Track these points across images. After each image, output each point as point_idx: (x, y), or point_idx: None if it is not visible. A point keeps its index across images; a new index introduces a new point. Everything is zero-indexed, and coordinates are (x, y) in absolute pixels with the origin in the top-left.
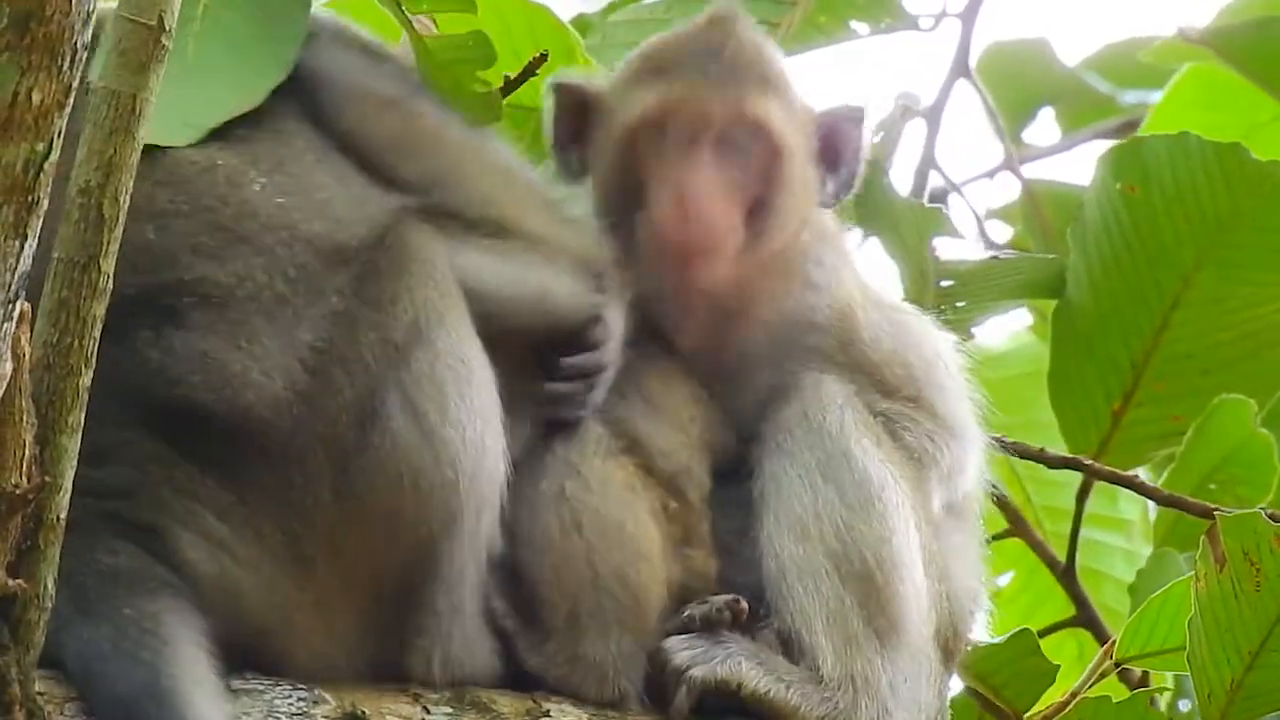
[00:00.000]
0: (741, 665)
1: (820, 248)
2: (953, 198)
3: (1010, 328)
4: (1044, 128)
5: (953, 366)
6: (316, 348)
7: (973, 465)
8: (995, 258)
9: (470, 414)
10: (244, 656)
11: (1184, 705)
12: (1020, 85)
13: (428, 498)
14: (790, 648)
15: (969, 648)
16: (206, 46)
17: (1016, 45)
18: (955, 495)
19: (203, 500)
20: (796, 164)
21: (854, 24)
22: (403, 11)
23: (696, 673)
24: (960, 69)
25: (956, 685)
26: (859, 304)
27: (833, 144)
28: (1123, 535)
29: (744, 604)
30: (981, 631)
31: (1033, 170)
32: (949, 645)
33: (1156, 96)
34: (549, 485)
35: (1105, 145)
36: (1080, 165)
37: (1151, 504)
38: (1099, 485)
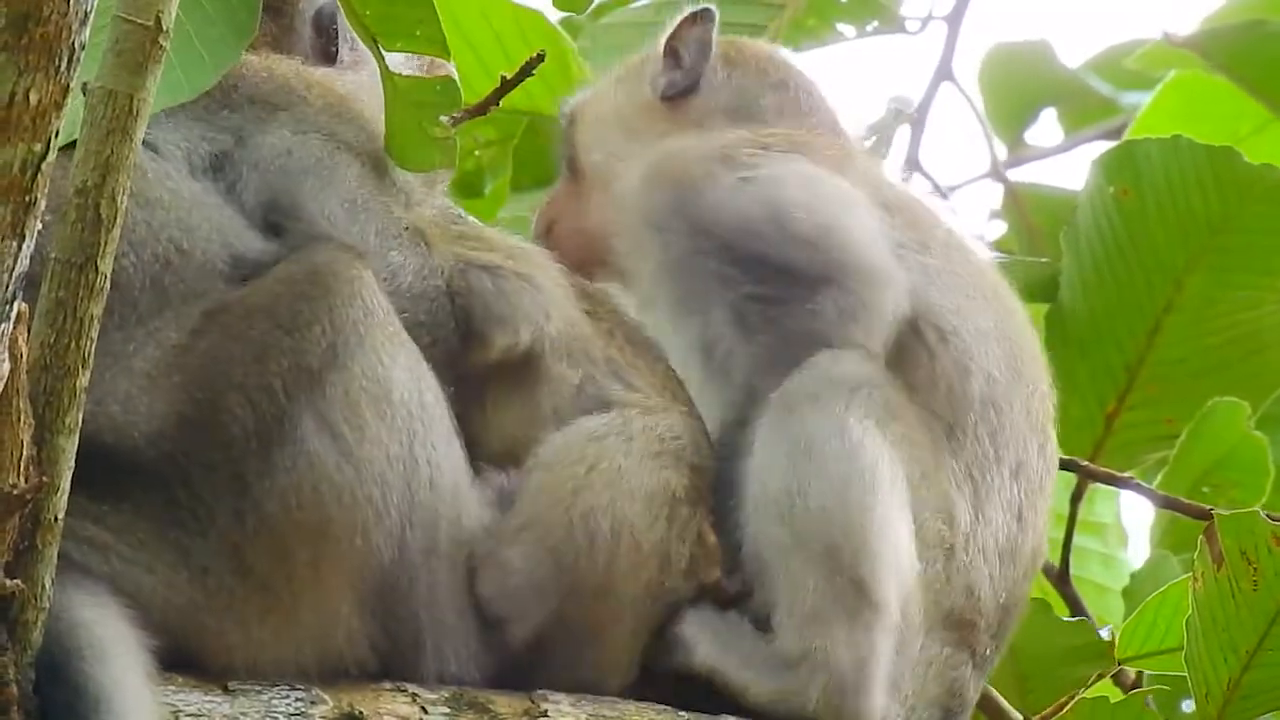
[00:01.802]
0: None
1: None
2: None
3: None
4: (1046, 129)
5: (840, 204)
6: (202, 377)
7: (887, 300)
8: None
9: (393, 430)
10: (166, 655)
11: (1187, 706)
12: (1022, 86)
13: (355, 513)
14: (762, 626)
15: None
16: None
17: (1018, 46)
18: (873, 342)
19: (74, 513)
20: None
21: (840, 26)
22: (378, 49)
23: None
24: (945, 72)
25: None
26: (694, 174)
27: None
28: (1099, 539)
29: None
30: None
31: (1034, 171)
32: (962, 616)
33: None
34: (594, 425)
35: (1106, 146)
36: (1082, 166)
37: (1125, 509)
38: None
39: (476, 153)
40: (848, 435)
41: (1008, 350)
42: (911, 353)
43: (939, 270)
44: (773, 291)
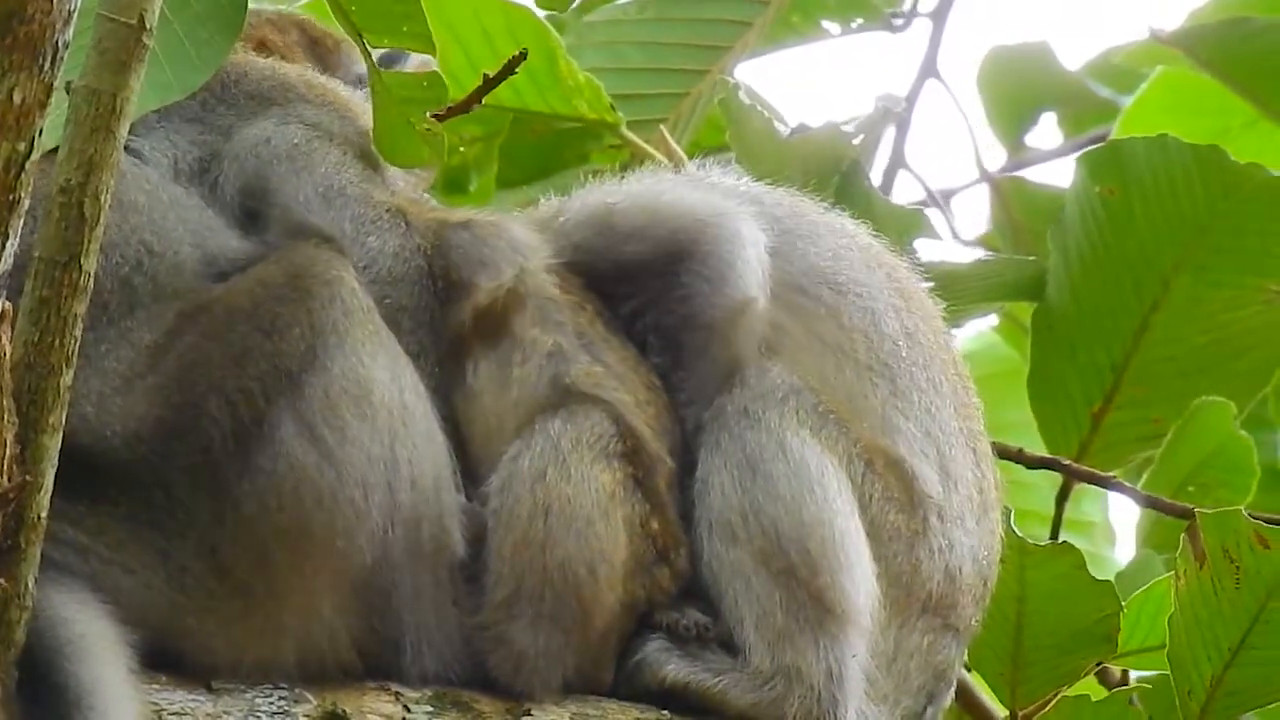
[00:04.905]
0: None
1: None
2: (927, 198)
3: (975, 327)
4: (1046, 132)
5: (652, 182)
6: (178, 380)
7: (744, 239)
8: (976, 260)
9: (373, 431)
10: (148, 653)
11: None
12: (1021, 89)
13: (335, 515)
14: (730, 649)
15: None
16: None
17: (1017, 49)
18: (753, 288)
19: (51, 514)
20: None
21: (825, 23)
22: (363, 44)
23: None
24: (930, 69)
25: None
26: None
27: None
28: (1086, 537)
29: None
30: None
31: (1035, 174)
32: (942, 600)
33: None
34: (531, 465)
35: None
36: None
37: (1113, 506)
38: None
39: (462, 149)
40: (789, 452)
41: (889, 277)
42: (813, 315)
43: (791, 213)
44: (642, 299)
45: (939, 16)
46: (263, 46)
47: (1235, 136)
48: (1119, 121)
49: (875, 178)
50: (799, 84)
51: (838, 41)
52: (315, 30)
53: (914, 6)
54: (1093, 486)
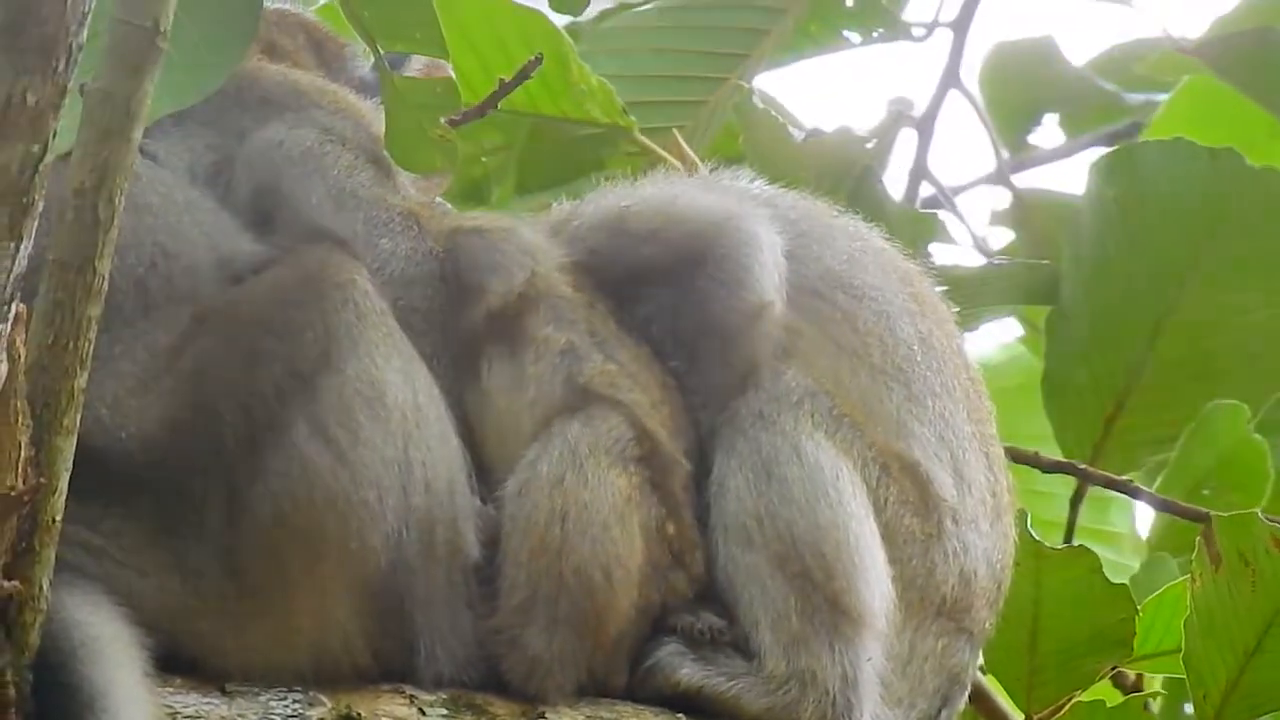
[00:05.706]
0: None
1: None
2: (945, 204)
3: (1001, 339)
4: (1050, 131)
5: (665, 186)
6: (192, 382)
7: (761, 239)
8: (990, 264)
9: (387, 433)
10: (163, 656)
11: (1190, 708)
12: (1025, 87)
13: (349, 517)
14: (745, 652)
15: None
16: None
17: (1022, 45)
18: (770, 292)
19: (65, 517)
20: None
21: (846, 33)
22: (376, 49)
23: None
24: (952, 78)
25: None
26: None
27: None
28: (1112, 548)
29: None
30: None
31: (1039, 174)
32: (957, 604)
33: (1163, 98)
34: (550, 470)
35: (1113, 147)
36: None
37: (1139, 515)
38: (1090, 497)
39: (484, 159)
40: (804, 455)
41: (903, 281)
42: (828, 319)
43: (805, 216)
44: (657, 302)
45: (960, 26)
46: (271, 49)
47: (1260, 147)
48: (1147, 129)
49: (896, 185)
50: (821, 95)
51: (860, 52)
52: (320, 33)
53: (936, 16)
54: (1118, 496)
